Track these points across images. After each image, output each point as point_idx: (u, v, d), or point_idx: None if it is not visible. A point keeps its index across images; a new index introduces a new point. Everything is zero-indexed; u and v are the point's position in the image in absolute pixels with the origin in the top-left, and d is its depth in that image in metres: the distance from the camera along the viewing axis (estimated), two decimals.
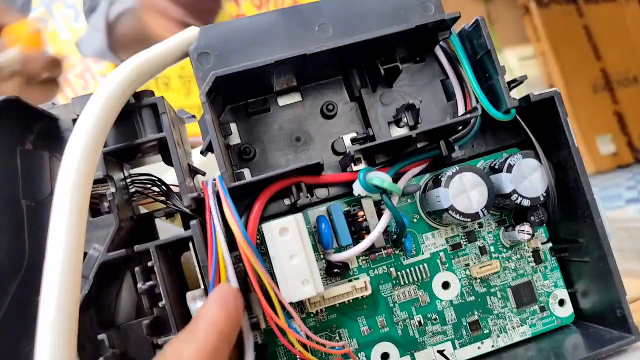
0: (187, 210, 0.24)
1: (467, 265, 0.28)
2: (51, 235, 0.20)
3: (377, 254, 0.27)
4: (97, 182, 0.24)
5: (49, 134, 0.27)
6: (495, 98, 0.26)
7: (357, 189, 0.24)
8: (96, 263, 0.23)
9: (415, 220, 0.28)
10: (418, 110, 0.26)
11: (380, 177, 0.24)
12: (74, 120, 0.27)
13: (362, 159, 0.28)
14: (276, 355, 0.26)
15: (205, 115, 0.23)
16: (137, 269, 0.23)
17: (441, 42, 0.28)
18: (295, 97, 0.29)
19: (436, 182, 0.26)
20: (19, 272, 0.25)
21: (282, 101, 0.28)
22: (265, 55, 0.25)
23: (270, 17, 0.26)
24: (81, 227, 0.20)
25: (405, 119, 0.27)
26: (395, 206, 0.24)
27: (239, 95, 0.27)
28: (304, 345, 0.23)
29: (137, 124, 0.24)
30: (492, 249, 0.28)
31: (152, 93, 0.24)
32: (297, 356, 0.26)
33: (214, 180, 0.24)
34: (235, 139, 0.28)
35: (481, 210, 0.25)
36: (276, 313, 0.22)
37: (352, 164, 0.27)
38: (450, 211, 0.24)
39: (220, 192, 0.22)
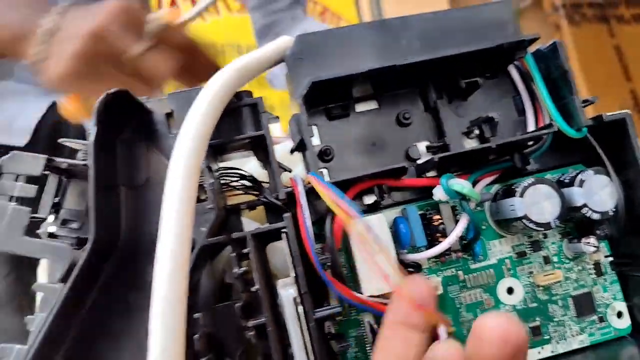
0: (279, 203, 0.26)
1: (531, 273, 0.29)
2: (164, 220, 0.22)
3: (447, 256, 0.28)
4: None
5: (143, 125, 0.29)
6: (567, 116, 0.28)
7: (438, 193, 0.26)
8: (197, 247, 0.25)
9: (484, 227, 0.29)
10: (497, 123, 0.27)
11: (462, 184, 0.25)
12: (167, 115, 0.29)
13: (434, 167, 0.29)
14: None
15: (302, 116, 0.25)
16: (233, 254, 0.24)
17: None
18: (372, 105, 0.30)
19: (509, 192, 0.27)
20: (114, 253, 0.28)
21: (360, 108, 0.30)
22: (353, 64, 0.26)
23: (359, 28, 0.28)
24: (191, 212, 0.22)
25: (477, 131, 0.29)
26: (473, 212, 0.26)
27: (321, 100, 0.29)
28: None
29: (237, 121, 0.26)
30: (555, 259, 0.29)
31: (250, 93, 0.26)
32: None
33: (301, 176, 0.26)
34: (315, 140, 0.29)
35: (553, 220, 0.26)
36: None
37: (427, 171, 0.29)
38: (524, 220, 0.26)
39: (320, 184, 0.24)
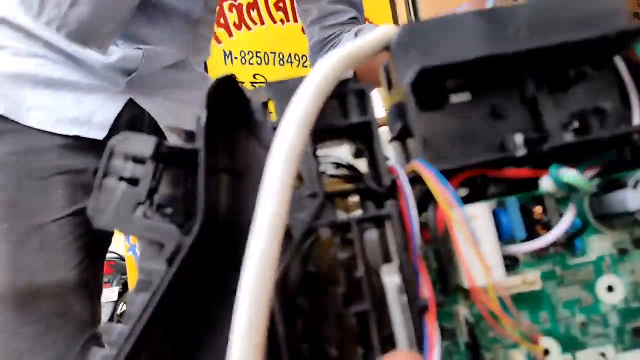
0: (380, 190, 0.26)
1: (633, 271, 0.28)
2: (262, 202, 0.22)
3: (545, 250, 0.28)
4: None
5: (243, 113, 0.29)
6: None
7: (546, 184, 0.25)
8: (299, 232, 0.25)
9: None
10: (607, 114, 0.26)
11: (573, 175, 0.24)
12: (264, 104, 0.29)
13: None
14: None
15: (409, 103, 0.25)
16: (336, 239, 0.24)
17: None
18: (466, 96, 0.30)
19: (617, 185, 0.26)
20: (210, 238, 0.28)
21: (454, 99, 0.30)
22: (460, 52, 0.26)
23: (466, 17, 0.27)
24: (288, 200, 0.22)
25: (576, 124, 0.28)
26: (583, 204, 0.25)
27: (418, 91, 0.29)
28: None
29: (341, 108, 0.26)
30: None
31: (356, 80, 0.26)
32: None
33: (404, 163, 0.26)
34: None
35: None
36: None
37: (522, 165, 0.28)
38: (637, 214, 0.25)
39: (427, 171, 0.24)
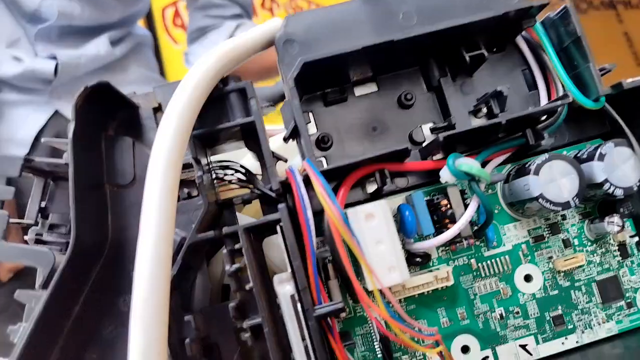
0: (273, 194, 0.24)
1: (550, 258, 0.27)
2: (144, 216, 0.20)
3: (458, 244, 0.26)
4: None
5: (130, 121, 0.28)
6: (582, 86, 0.25)
7: (445, 175, 0.24)
8: (185, 244, 0.23)
9: (496, 211, 0.27)
10: (506, 97, 0.25)
11: (470, 164, 0.23)
12: (155, 109, 0.28)
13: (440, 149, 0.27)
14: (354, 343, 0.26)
15: (293, 100, 0.24)
16: (225, 251, 0.23)
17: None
18: (372, 88, 0.28)
19: (522, 172, 0.25)
20: (101, 255, 0.26)
21: (359, 91, 0.28)
22: (349, 43, 0.24)
23: (353, 5, 0.26)
24: (173, 208, 0.21)
25: (485, 109, 0.27)
26: (484, 193, 0.24)
27: (317, 85, 0.27)
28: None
29: (225, 109, 0.24)
30: (576, 242, 0.27)
31: (239, 78, 0.25)
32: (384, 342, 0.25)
33: (294, 166, 0.24)
34: (312, 128, 0.27)
35: (572, 199, 0.24)
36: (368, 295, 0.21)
37: (432, 154, 0.27)
38: (540, 199, 0.24)
39: (312, 173, 0.22)
